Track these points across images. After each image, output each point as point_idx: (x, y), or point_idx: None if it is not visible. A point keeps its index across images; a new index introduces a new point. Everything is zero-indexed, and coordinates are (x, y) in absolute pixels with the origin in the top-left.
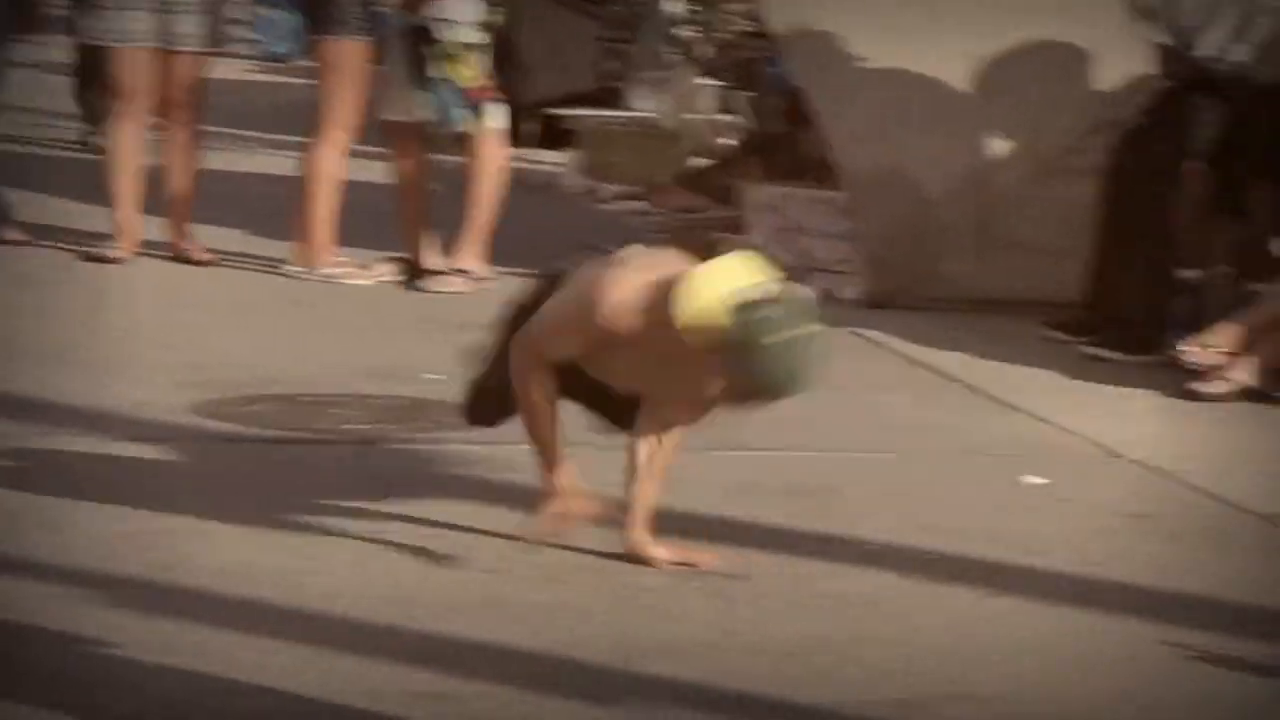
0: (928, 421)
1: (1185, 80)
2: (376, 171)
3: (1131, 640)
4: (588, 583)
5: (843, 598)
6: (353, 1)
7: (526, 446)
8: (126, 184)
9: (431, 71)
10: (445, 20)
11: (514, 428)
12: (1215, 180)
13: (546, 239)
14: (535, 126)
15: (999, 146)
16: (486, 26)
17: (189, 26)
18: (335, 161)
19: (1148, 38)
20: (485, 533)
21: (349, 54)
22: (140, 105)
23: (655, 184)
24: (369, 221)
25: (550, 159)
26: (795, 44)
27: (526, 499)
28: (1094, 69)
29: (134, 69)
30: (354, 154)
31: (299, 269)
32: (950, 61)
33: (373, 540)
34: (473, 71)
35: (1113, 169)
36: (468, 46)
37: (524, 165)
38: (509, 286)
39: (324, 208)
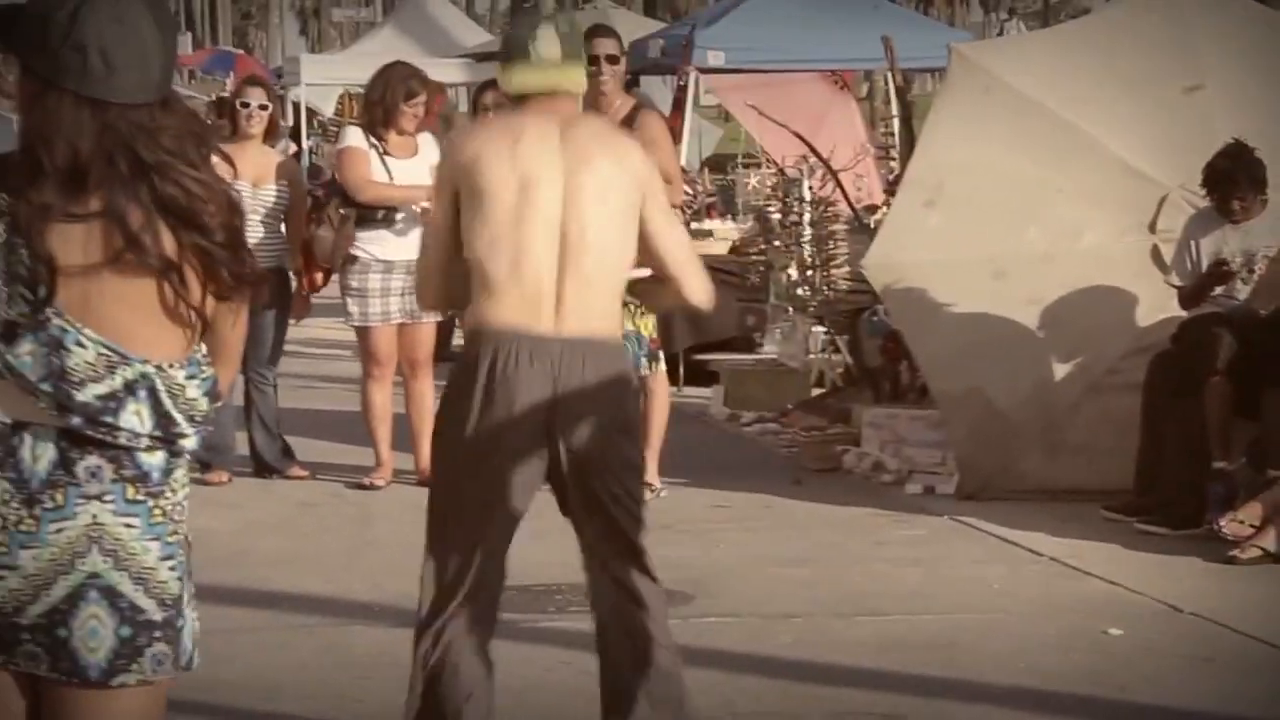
0: (1021, 587)
1: (1203, 314)
2: None
3: None
4: None
5: None
6: None
7: None
8: (383, 429)
9: (627, 326)
10: None
11: None
12: (1233, 391)
13: (702, 456)
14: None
15: (1058, 368)
16: None
17: None
18: None
19: (1170, 282)
20: None
21: None
22: (391, 369)
23: (785, 410)
24: None
25: (698, 394)
26: (892, 296)
27: None
28: (1130, 306)
29: (386, 341)
30: None
31: None
32: (1016, 305)
33: None
34: (649, 326)
35: (1150, 383)
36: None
37: (679, 399)
38: (677, 494)
39: None
